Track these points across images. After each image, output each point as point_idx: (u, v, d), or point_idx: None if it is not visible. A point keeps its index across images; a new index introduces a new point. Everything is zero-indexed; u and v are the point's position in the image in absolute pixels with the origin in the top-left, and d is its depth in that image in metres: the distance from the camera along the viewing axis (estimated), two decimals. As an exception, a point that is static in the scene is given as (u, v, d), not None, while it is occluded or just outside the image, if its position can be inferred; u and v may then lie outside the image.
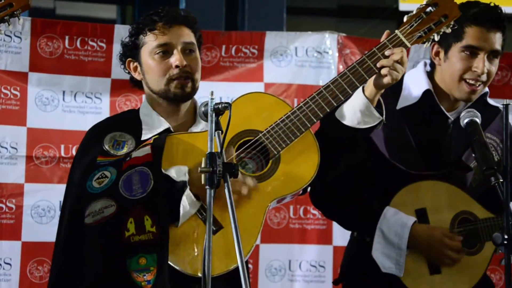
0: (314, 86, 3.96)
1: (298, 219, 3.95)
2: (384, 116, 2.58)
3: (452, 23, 2.56)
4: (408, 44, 2.55)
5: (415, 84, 2.83)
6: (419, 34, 2.56)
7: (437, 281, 2.70)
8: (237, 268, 2.12)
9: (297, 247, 3.92)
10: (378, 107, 2.57)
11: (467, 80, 2.75)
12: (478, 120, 2.59)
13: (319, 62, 3.97)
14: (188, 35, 2.61)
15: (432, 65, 2.86)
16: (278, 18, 4.96)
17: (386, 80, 2.51)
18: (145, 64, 2.59)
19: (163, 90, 2.57)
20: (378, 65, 2.52)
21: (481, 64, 2.71)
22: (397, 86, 2.76)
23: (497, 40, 2.73)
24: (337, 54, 3.98)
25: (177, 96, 2.57)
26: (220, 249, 2.32)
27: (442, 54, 2.80)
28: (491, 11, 2.73)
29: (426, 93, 2.79)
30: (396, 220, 2.68)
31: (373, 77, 2.54)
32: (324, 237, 3.94)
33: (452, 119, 2.81)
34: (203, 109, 2.36)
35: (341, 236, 3.83)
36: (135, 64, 2.62)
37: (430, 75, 2.85)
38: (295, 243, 3.93)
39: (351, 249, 2.90)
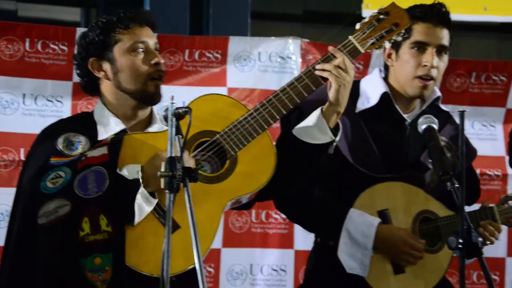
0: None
1: (260, 223, 3.97)
2: (338, 137, 2.62)
3: (402, 31, 2.63)
4: (362, 50, 2.61)
5: (372, 88, 2.88)
6: (372, 40, 2.62)
7: (401, 280, 2.74)
8: (194, 269, 2.13)
9: (258, 251, 3.94)
10: (336, 129, 2.62)
11: (419, 76, 2.81)
12: (435, 126, 2.64)
13: (282, 67, 4.00)
14: (154, 37, 2.63)
15: (386, 69, 2.92)
16: (243, 23, 4.98)
17: (333, 86, 2.56)
18: (120, 62, 2.55)
19: (140, 89, 2.55)
20: (317, 67, 2.57)
21: (430, 57, 2.79)
22: (354, 92, 2.80)
23: (444, 36, 2.82)
24: (300, 60, 4.01)
25: (153, 97, 2.57)
26: (176, 249, 2.32)
27: (394, 55, 2.87)
28: (437, 8, 2.82)
29: (384, 96, 2.84)
30: (362, 221, 2.72)
31: None
32: (286, 241, 3.96)
33: (409, 121, 2.85)
34: (163, 113, 2.36)
35: (302, 240, 3.86)
36: (101, 62, 2.58)
37: (385, 79, 2.90)
38: (256, 247, 3.95)
39: (315, 256, 2.92)
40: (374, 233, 2.71)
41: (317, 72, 2.59)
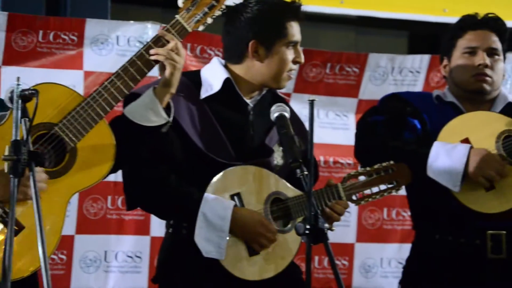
0: (136, 76, 3.95)
1: (116, 209, 3.92)
2: (171, 118, 2.64)
3: (223, 6, 2.66)
4: (189, 29, 2.64)
5: (213, 76, 2.87)
6: (197, 18, 2.64)
7: (255, 263, 2.78)
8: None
9: (113, 237, 3.89)
10: (168, 108, 2.64)
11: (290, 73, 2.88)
12: (287, 115, 2.68)
13: (141, 52, 3.96)
14: None
15: (234, 60, 2.90)
16: (103, 6, 4.86)
17: (168, 70, 2.59)
18: None
19: None
20: (152, 51, 2.59)
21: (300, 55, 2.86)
22: (195, 81, 2.82)
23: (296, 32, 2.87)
24: (159, 45, 3.98)
25: None
26: (21, 251, 2.25)
27: (263, 51, 2.85)
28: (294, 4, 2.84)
29: (226, 81, 2.85)
30: (217, 203, 2.73)
31: None
32: (142, 228, 3.94)
33: (252, 105, 2.88)
34: (9, 95, 2.28)
35: (159, 226, 3.84)
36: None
37: (226, 66, 2.89)
38: (112, 234, 3.90)
39: (168, 247, 2.90)
40: (230, 215, 2.73)
41: (151, 57, 2.59)
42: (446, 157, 2.91)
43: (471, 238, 2.97)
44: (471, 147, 2.93)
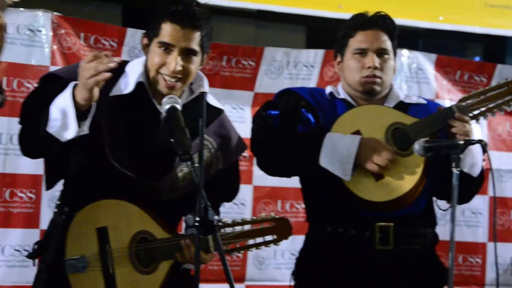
0: (26, 65, 3.86)
1: (3, 202, 3.80)
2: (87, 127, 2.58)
3: None
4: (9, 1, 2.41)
5: (132, 75, 2.80)
6: None
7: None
8: None
9: (0, 231, 3.78)
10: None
11: (163, 75, 2.76)
12: (179, 107, 2.64)
13: (32, 40, 3.86)
14: None
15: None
16: (-8, -8, 4.72)
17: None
18: None
19: None
20: None
21: (173, 61, 2.73)
22: (119, 72, 2.74)
23: (195, 38, 2.75)
24: (51, 34, 3.89)
25: None
26: None
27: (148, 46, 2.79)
28: (187, 8, 2.74)
29: (139, 85, 2.78)
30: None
31: None
32: (31, 221, 3.83)
33: (165, 114, 2.75)
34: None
35: (48, 219, 3.74)
36: None
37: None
38: (-1, 227, 3.80)
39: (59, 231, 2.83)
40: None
41: None
42: (337, 146, 2.97)
43: (361, 230, 3.04)
44: (362, 137, 3.00)
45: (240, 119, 4.42)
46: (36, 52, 3.87)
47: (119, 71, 2.75)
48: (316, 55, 4.53)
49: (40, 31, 3.87)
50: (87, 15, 4.67)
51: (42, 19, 3.87)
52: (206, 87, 2.89)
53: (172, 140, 2.59)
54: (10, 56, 3.80)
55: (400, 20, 5.04)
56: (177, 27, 2.70)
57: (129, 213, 2.72)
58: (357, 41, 3.10)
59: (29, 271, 3.77)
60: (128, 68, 2.81)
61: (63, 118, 2.55)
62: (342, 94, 3.15)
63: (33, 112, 2.66)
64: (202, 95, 2.53)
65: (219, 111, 2.91)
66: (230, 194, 3.01)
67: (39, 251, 2.77)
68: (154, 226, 2.75)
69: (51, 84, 2.70)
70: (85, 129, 2.58)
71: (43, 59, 3.88)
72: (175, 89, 2.76)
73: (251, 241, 2.89)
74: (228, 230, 2.84)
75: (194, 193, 2.71)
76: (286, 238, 2.94)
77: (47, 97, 2.63)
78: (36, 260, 2.76)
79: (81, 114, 2.57)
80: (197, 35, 2.74)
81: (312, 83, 4.52)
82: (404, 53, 4.72)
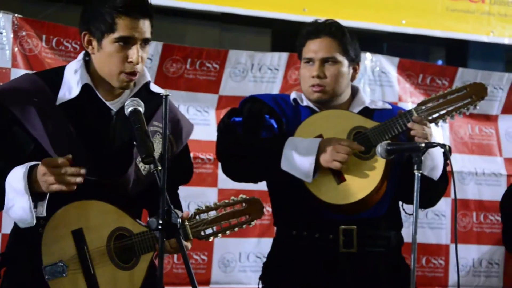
0: (-17, 68, 3.81)
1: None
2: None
3: None
4: None
5: (74, 77, 2.74)
6: None
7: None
8: None
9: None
10: None
11: (124, 70, 2.70)
12: (141, 109, 2.62)
13: (-8, 42, 3.81)
14: None
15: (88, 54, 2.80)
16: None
17: None
18: None
19: None
20: None
21: (135, 54, 2.68)
22: (54, 81, 2.71)
23: (148, 27, 2.71)
24: (12, 35, 3.84)
25: None
26: None
27: (95, 43, 2.72)
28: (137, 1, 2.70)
29: (85, 87, 2.73)
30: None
31: None
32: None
33: (115, 110, 2.77)
34: None
35: (11, 223, 3.70)
36: None
37: (88, 64, 2.77)
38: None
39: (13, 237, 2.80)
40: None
41: None
42: (297, 149, 2.99)
43: (325, 233, 3.06)
44: (321, 139, 3.02)
45: (205, 121, 4.42)
46: (-3, 53, 3.83)
47: (59, 78, 2.72)
48: (280, 58, 4.54)
49: (1, 33, 3.82)
50: (49, 17, 4.64)
51: (3, 20, 3.82)
52: (148, 76, 2.86)
53: (134, 142, 2.58)
54: (-29, 58, 3.76)
55: (363, 23, 5.10)
56: (133, 19, 2.65)
57: (101, 212, 2.70)
58: (306, 50, 3.14)
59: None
60: (66, 73, 2.76)
61: (18, 203, 2.55)
62: (306, 102, 3.18)
63: None
64: (166, 97, 2.50)
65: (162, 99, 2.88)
66: (186, 176, 3.00)
67: (3, 263, 2.73)
68: (130, 222, 2.74)
69: None
70: (43, 212, 2.56)
71: (4, 61, 3.84)
72: (133, 80, 2.74)
73: (225, 224, 2.88)
74: (203, 216, 2.84)
75: (153, 183, 2.72)
76: (258, 217, 2.94)
77: None
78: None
79: (37, 195, 2.55)
80: (148, 24, 2.71)
81: (276, 86, 4.53)
82: (368, 56, 4.76)
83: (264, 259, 3.23)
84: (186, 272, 2.42)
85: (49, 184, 2.53)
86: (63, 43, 4.01)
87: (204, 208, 2.85)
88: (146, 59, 2.76)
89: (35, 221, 2.58)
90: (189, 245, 2.77)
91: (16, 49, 3.86)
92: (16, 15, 3.87)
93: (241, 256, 4.47)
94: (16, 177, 2.57)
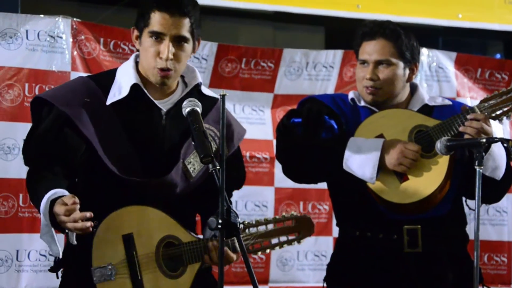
0: (47, 71, 3.87)
1: (28, 207, 3.83)
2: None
3: None
4: None
5: (124, 77, 2.79)
6: None
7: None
8: None
9: (26, 236, 3.80)
10: None
11: (157, 65, 2.74)
12: (199, 110, 2.65)
13: (52, 46, 3.87)
14: None
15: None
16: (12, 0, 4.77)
17: None
18: None
19: None
20: None
21: (166, 49, 2.71)
22: (105, 83, 2.75)
23: (184, 25, 2.73)
24: (71, 40, 3.91)
25: None
26: None
27: (139, 38, 2.78)
28: None
29: (134, 87, 2.76)
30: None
31: None
32: (55, 226, 3.85)
33: (165, 109, 2.80)
34: None
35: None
36: None
37: (138, 64, 2.82)
38: (24, 233, 3.80)
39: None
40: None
41: None
42: (361, 150, 2.97)
43: (389, 233, 3.03)
44: (385, 139, 2.99)
45: (260, 121, 4.43)
46: (57, 58, 3.89)
47: (110, 79, 2.77)
48: (335, 56, 4.52)
49: (60, 37, 3.89)
50: (106, 21, 4.70)
51: (62, 25, 3.88)
52: (199, 78, 2.89)
53: (193, 143, 2.60)
54: (31, 62, 3.82)
55: (419, 19, 5.04)
56: (165, 15, 2.71)
57: (153, 218, 2.72)
58: (361, 51, 3.14)
59: (55, 276, 3.82)
60: (118, 74, 2.82)
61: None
62: (363, 101, 3.16)
63: (35, 160, 2.73)
64: (223, 97, 2.51)
65: (215, 100, 2.90)
66: (239, 180, 3.01)
67: (61, 263, 2.77)
68: (179, 230, 2.75)
69: (43, 116, 2.73)
70: (73, 241, 2.58)
71: (64, 65, 3.90)
72: (168, 77, 2.76)
73: (274, 240, 2.89)
74: (252, 230, 2.84)
75: (207, 189, 2.78)
76: (308, 235, 2.95)
77: (44, 139, 2.71)
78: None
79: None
80: (186, 22, 2.74)
81: (331, 84, 4.51)
82: (424, 51, 4.70)
83: (322, 257, 3.22)
84: (244, 270, 2.43)
85: (66, 226, 2.54)
86: (120, 46, 4.06)
87: (254, 222, 2.86)
88: (184, 58, 2.77)
89: (61, 254, 2.66)
90: (235, 257, 2.77)
91: (75, 52, 3.93)
92: (74, 19, 3.93)
93: (299, 255, 4.47)
94: (42, 210, 2.61)
